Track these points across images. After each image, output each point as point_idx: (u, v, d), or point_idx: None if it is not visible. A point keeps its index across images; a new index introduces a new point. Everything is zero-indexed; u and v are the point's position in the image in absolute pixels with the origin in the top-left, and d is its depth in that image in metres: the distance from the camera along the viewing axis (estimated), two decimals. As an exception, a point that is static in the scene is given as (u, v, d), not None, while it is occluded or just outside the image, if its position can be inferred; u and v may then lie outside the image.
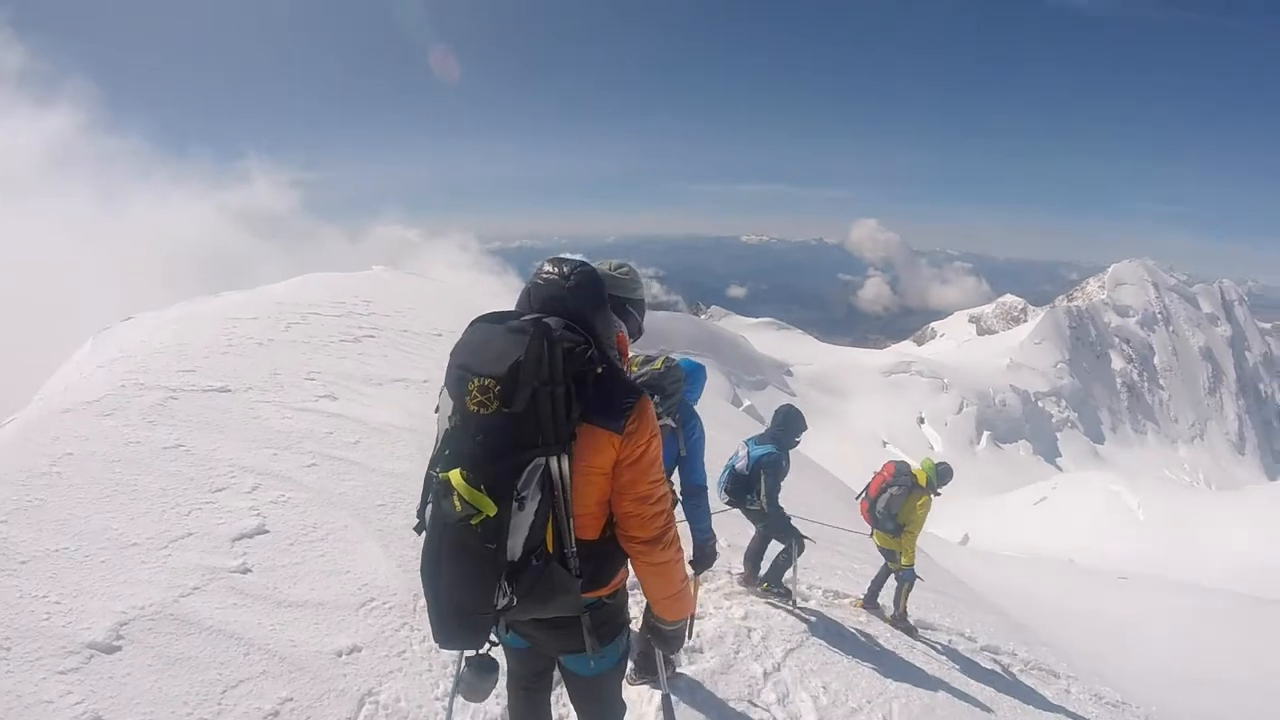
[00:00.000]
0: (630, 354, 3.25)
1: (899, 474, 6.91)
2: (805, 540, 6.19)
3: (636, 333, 2.77)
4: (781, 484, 5.98)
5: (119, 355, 6.32)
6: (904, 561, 6.81)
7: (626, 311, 2.75)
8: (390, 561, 4.21)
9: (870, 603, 7.03)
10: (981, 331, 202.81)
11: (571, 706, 2.75)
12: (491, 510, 1.83)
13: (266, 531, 4.12)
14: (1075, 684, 7.74)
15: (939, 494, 6.90)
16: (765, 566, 6.25)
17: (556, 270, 2.14)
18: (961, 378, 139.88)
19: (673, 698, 2.81)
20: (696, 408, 4.09)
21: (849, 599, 7.08)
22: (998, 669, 7.05)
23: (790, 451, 6.13)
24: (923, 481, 6.80)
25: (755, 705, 4.27)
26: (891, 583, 7.09)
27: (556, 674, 2.63)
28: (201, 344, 7.01)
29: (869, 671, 5.31)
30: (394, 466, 5.53)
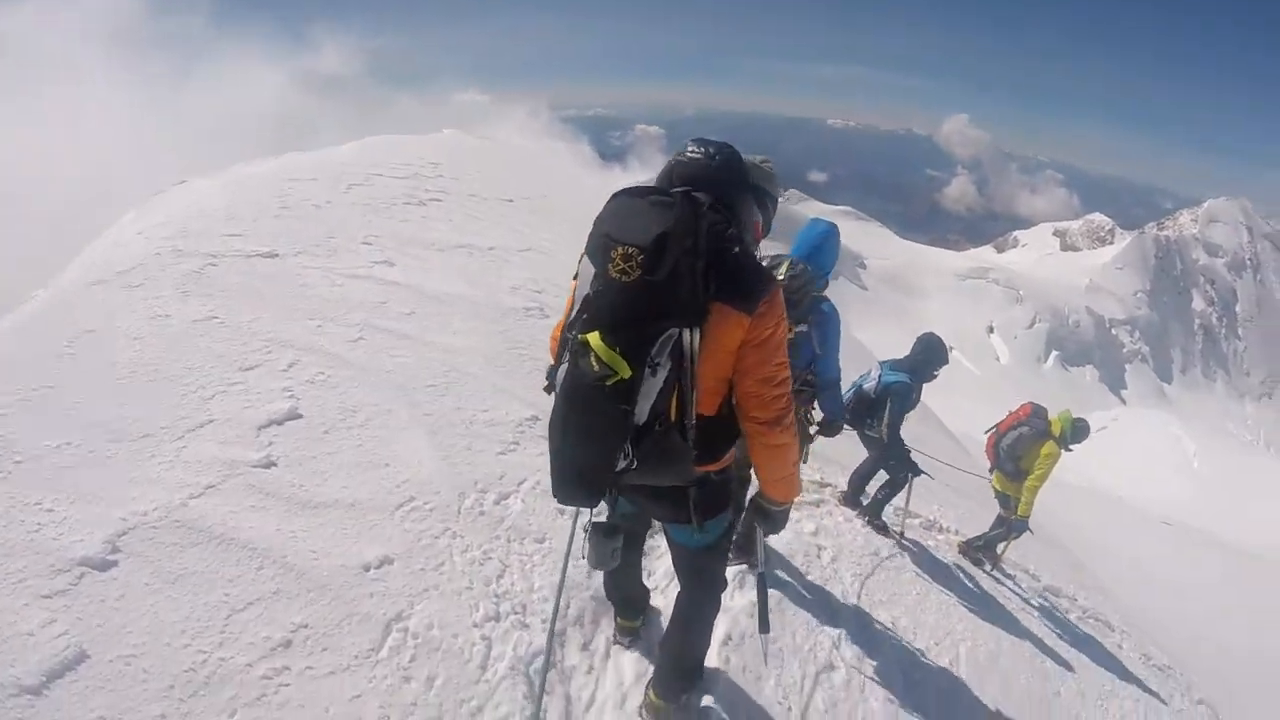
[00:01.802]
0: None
1: (1034, 415, 6.44)
2: (922, 473, 5.90)
3: (767, 228, 2.66)
4: (906, 416, 5.67)
5: (162, 220, 5.89)
6: (1020, 511, 6.33)
7: (765, 204, 2.63)
8: (436, 453, 3.78)
9: (972, 549, 6.65)
10: (1065, 247, 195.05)
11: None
12: (627, 373, 1.88)
13: (299, 416, 3.70)
14: (1127, 640, 7.40)
15: (1070, 450, 6.34)
16: (870, 495, 5.98)
17: (702, 150, 2.15)
18: (1038, 292, 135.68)
19: (763, 582, 2.67)
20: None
21: (950, 532, 6.88)
22: (1058, 615, 6.71)
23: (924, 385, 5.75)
24: (1056, 431, 6.27)
25: (820, 637, 3.90)
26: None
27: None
28: (252, 206, 6.57)
29: (937, 607, 5.03)
30: (449, 341, 5.10)
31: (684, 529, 2.36)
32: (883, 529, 5.77)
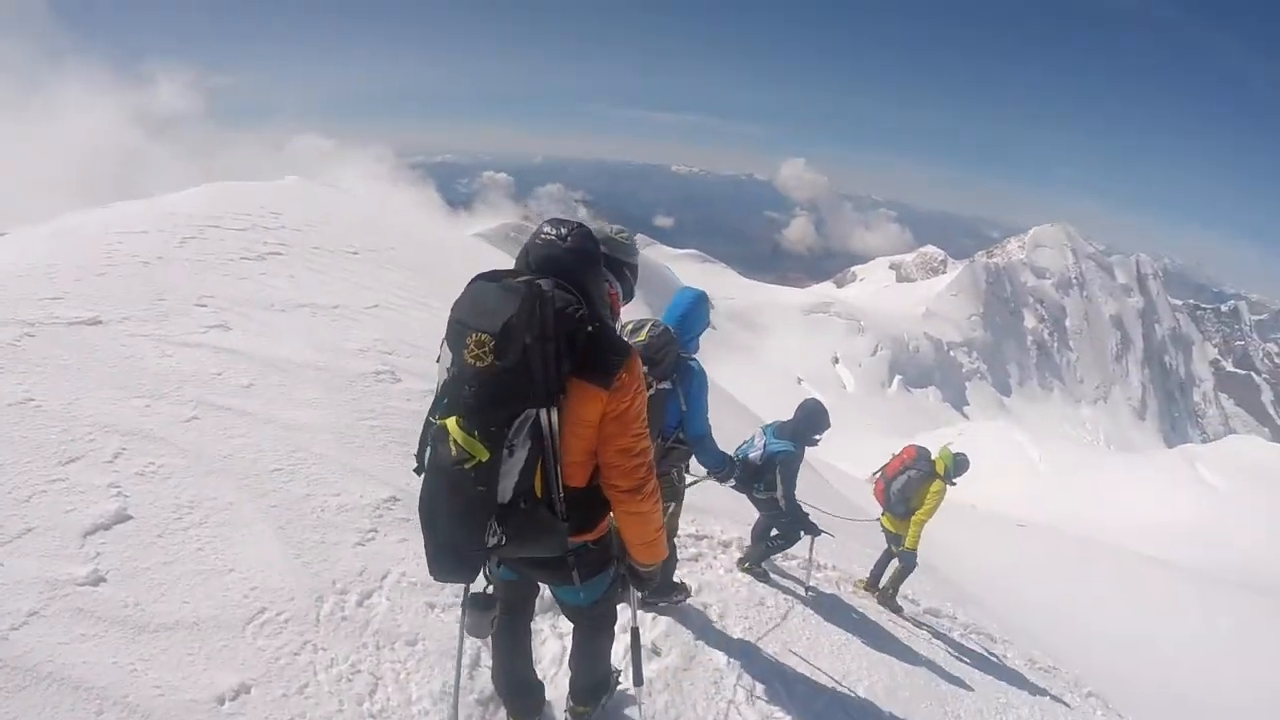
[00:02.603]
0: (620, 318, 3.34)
1: (919, 458, 6.84)
2: (823, 533, 6.03)
3: (629, 295, 2.81)
4: (797, 478, 5.76)
5: (-29, 281, 5.19)
6: (908, 544, 6.74)
7: (622, 274, 2.83)
8: (287, 551, 3.40)
9: (874, 585, 7.10)
10: (901, 279, 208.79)
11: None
12: (484, 456, 1.95)
13: (129, 518, 3.24)
14: (1010, 648, 7.89)
15: (954, 484, 6.80)
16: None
17: (555, 231, 2.23)
18: (878, 322, 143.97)
19: (636, 638, 2.78)
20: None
21: (852, 580, 7.21)
22: (943, 636, 7.07)
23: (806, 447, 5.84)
24: (940, 469, 6.72)
25: (716, 699, 3.90)
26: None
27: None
28: (74, 264, 5.91)
29: (829, 650, 5.17)
30: (294, 416, 4.67)
31: (568, 589, 2.50)
32: (762, 576, 5.87)
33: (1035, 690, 6.79)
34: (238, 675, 2.71)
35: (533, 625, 3.28)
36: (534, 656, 3.28)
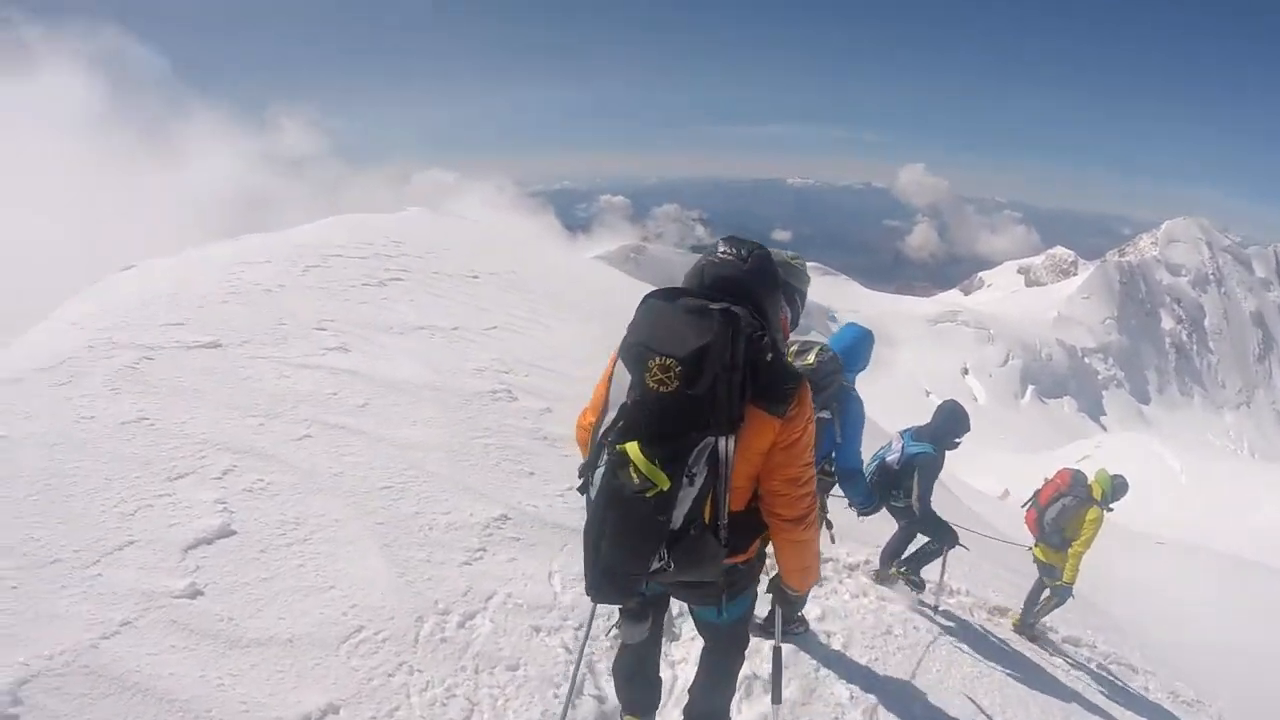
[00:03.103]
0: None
1: (1075, 484, 6.38)
2: (958, 544, 5.85)
3: (795, 321, 2.72)
4: (934, 484, 5.56)
5: (101, 309, 5.47)
6: (1065, 578, 6.32)
7: (793, 299, 2.75)
8: (390, 569, 3.35)
9: (1026, 625, 6.58)
10: (1030, 283, 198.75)
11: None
12: (665, 484, 1.90)
13: (232, 533, 3.26)
14: (1152, 680, 7.28)
15: (1111, 509, 6.34)
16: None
17: (734, 252, 2.16)
18: (1008, 329, 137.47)
19: (778, 656, 2.68)
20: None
21: (1006, 612, 6.77)
22: (1083, 667, 6.58)
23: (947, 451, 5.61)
24: (1098, 494, 6.28)
25: None
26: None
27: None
28: (198, 292, 6.16)
29: (959, 682, 4.79)
30: (407, 434, 4.68)
31: (709, 610, 2.47)
32: (919, 586, 5.71)
33: None
34: (327, 695, 2.63)
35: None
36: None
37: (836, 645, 4.50)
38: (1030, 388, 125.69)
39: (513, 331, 7.88)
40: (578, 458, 4.77)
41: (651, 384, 1.94)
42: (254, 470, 3.75)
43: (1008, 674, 5.28)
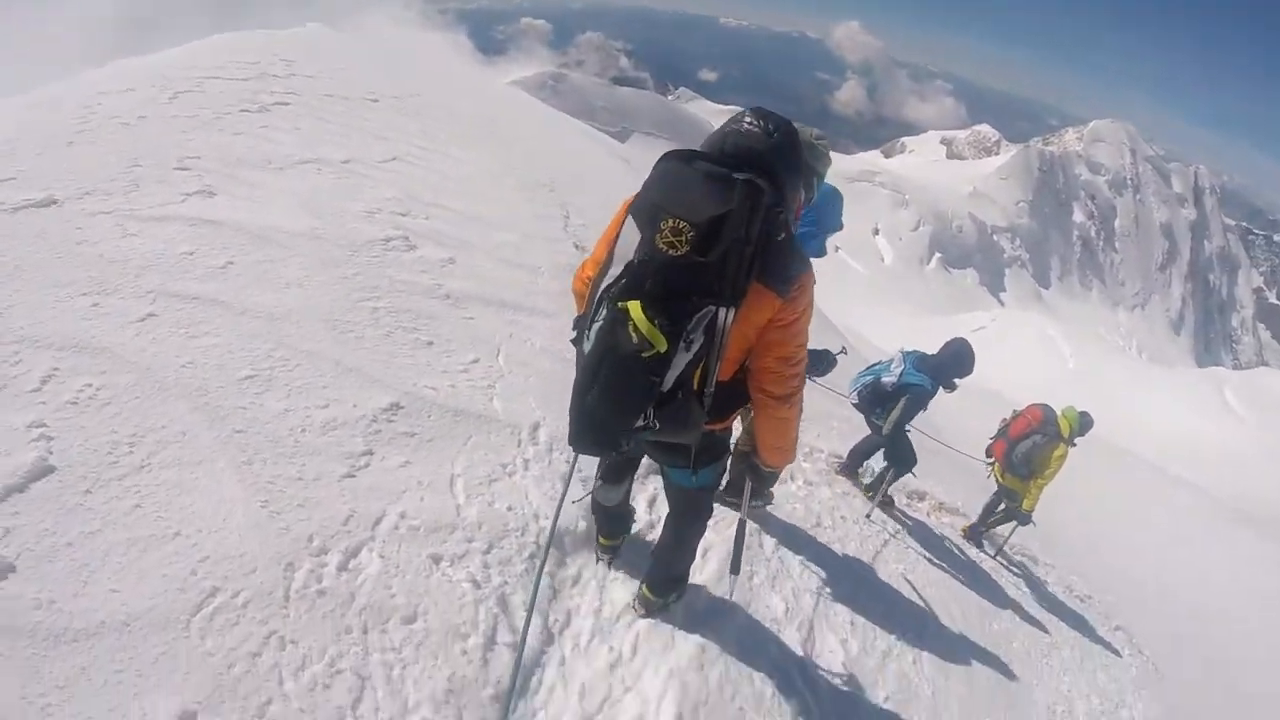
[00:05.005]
0: None
1: (1045, 421, 6.76)
2: (912, 472, 6.08)
3: (807, 204, 2.64)
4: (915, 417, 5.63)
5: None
6: (1026, 507, 6.77)
7: (810, 181, 2.68)
8: (251, 499, 2.68)
9: (975, 532, 7.15)
10: (951, 155, 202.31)
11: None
12: (663, 347, 1.91)
13: (50, 470, 2.49)
14: (1051, 572, 7.84)
15: (1075, 445, 6.72)
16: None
17: (760, 125, 2.05)
18: (923, 196, 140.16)
19: (742, 528, 2.78)
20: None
21: (952, 518, 7.24)
22: (989, 558, 7.10)
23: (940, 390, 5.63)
24: (1065, 431, 6.65)
25: (774, 646, 3.53)
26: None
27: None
28: (40, 136, 5.02)
29: (924, 580, 5.22)
30: (276, 301, 3.92)
31: (682, 472, 2.54)
32: (887, 504, 6.03)
33: (1074, 622, 6.81)
34: (177, 697, 2.04)
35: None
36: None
37: (796, 522, 4.67)
38: (937, 255, 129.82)
39: (414, 163, 7.07)
40: (484, 322, 4.56)
41: (661, 245, 1.90)
42: (80, 372, 2.94)
43: (942, 566, 5.71)
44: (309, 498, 2.82)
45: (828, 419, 6.98)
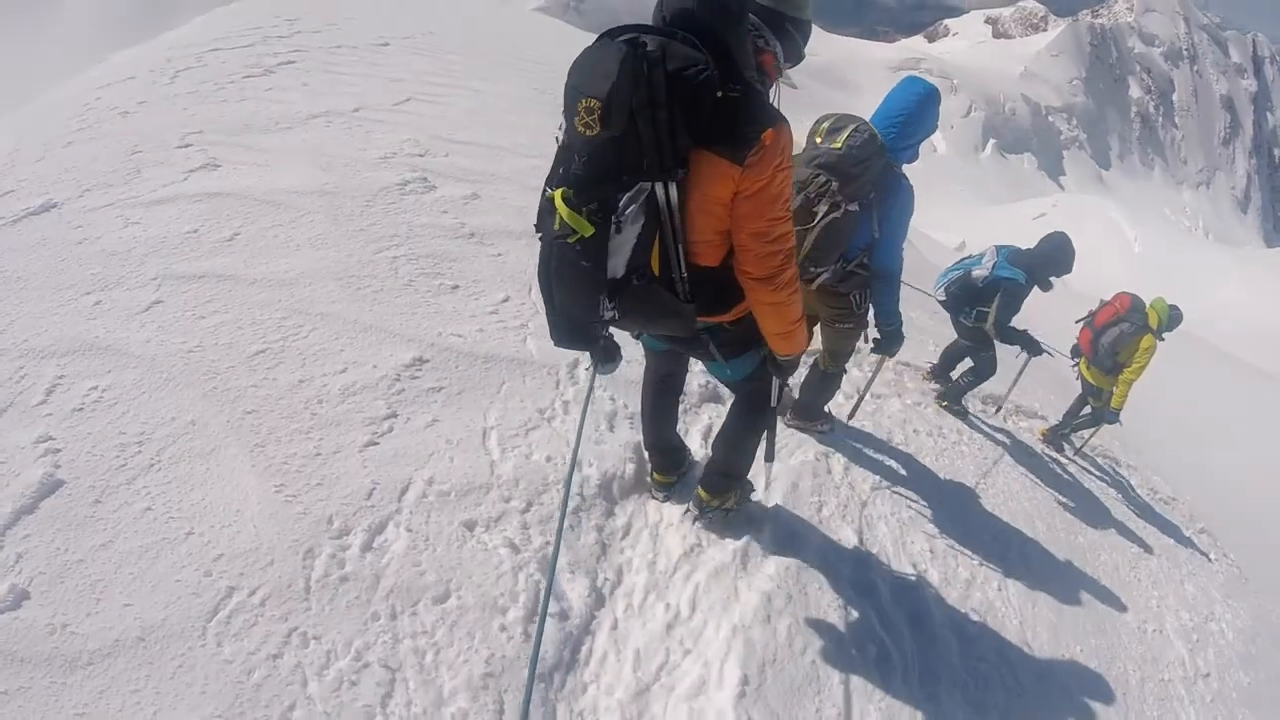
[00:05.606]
0: (819, 120, 3.31)
1: (1133, 310, 6.33)
2: (1045, 351, 5.79)
3: (796, 56, 2.28)
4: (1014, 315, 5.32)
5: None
6: (1114, 404, 6.37)
7: (786, 31, 2.23)
8: (265, 485, 2.54)
9: (1056, 435, 6.79)
10: (997, 35, 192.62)
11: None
12: (588, 231, 1.84)
13: (59, 485, 2.38)
14: (1135, 474, 7.39)
15: (1163, 339, 6.31)
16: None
17: None
18: (972, 81, 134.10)
19: (773, 417, 2.69)
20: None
21: (1030, 421, 6.96)
22: (1071, 461, 6.73)
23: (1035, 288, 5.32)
24: (1154, 322, 6.23)
25: (847, 586, 3.23)
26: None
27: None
28: (39, 142, 4.95)
29: (1003, 488, 4.99)
30: (288, 266, 3.75)
31: (715, 365, 2.54)
32: (961, 414, 5.68)
33: (1161, 527, 6.40)
34: (197, 714, 1.94)
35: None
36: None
37: (864, 441, 4.48)
38: (991, 141, 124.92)
39: (432, 102, 6.80)
40: (513, 257, 4.47)
41: (580, 127, 1.82)
42: (85, 376, 2.84)
43: (1022, 476, 5.38)
44: (328, 474, 2.67)
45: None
